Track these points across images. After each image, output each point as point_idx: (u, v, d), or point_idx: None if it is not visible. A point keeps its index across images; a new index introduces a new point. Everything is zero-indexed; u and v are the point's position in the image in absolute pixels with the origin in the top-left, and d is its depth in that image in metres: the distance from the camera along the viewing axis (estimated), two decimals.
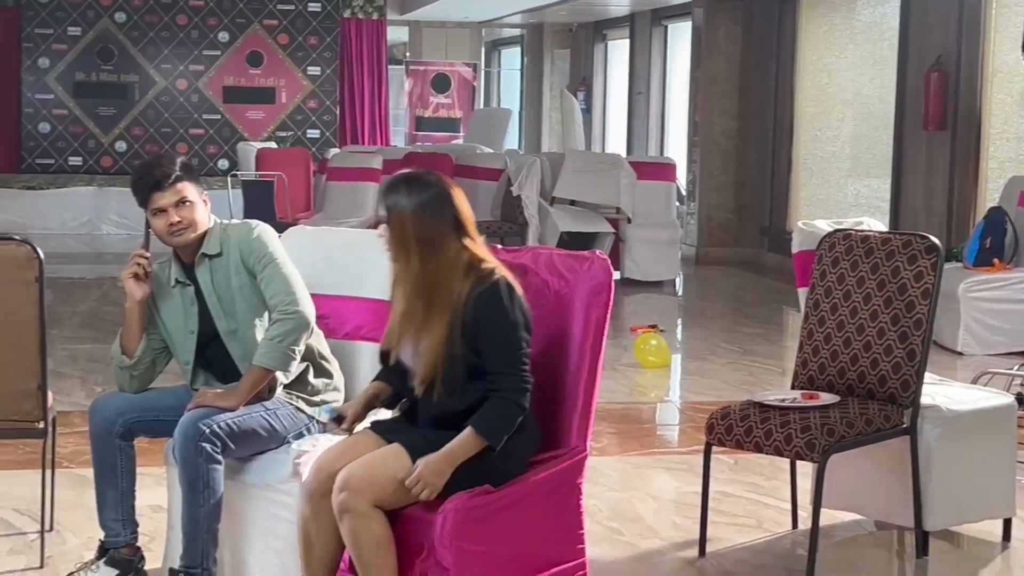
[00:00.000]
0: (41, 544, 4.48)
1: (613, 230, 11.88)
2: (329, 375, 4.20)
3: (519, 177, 11.84)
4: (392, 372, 3.80)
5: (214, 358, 4.16)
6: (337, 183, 12.32)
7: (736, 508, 5.23)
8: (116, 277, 11.01)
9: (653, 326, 9.06)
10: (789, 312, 10.50)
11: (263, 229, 4.15)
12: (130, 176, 4.29)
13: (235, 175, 13.46)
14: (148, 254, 4.09)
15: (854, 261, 4.79)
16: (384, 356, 3.81)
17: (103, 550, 4.16)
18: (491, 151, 14.49)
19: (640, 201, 12.01)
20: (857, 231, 4.93)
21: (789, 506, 5.03)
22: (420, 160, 12.36)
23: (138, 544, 4.18)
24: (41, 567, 4.39)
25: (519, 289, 3.65)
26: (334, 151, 15.03)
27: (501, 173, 12.31)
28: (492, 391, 3.58)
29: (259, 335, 4.06)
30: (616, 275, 12.43)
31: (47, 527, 4.55)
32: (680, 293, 12.09)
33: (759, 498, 5.36)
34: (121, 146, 18.48)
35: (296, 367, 4.06)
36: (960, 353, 8.52)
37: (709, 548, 4.71)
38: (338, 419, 3.76)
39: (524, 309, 3.64)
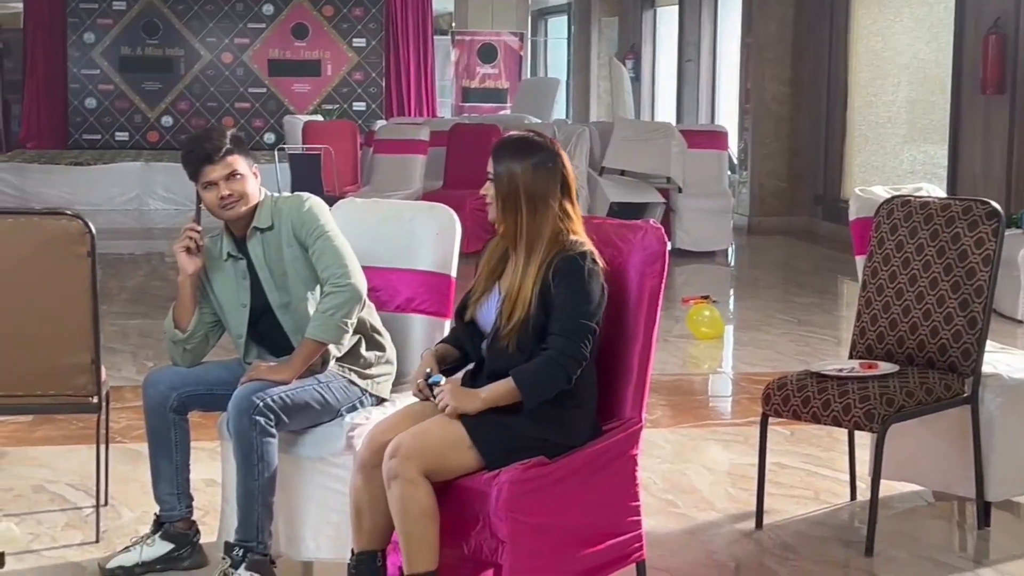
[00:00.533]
0: (96, 519, 4.52)
1: (664, 200, 11.86)
2: (382, 348, 4.21)
3: (568, 147, 11.81)
4: (464, 332, 3.82)
5: (266, 331, 4.18)
6: (384, 156, 12.34)
7: (793, 479, 5.20)
8: (164, 252, 11.16)
9: (705, 297, 9.04)
10: (844, 281, 10.45)
11: (314, 201, 4.17)
12: (180, 149, 4.32)
13: (282, 148, 13.52)
14: (199, 228, 4.12)
15: (913, 228, 4.75)
16: (460, 313, 3.85)
17: (158, 524, 4.20)
18: (539, 121, 14.46)
19: (691, 170, 11.98)
20: (916, 197, 4.89)
21: (847, 477, 5.01)
22: (467, 131, 12.37)
23: (193, 518, 4.23)
24: (97, 541, 4.44)
25: (602, 266, 3.67)
26: (381, 123, 15.04)
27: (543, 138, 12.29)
28: (544, 350, 3.59)
29: (311, 308, 4.08)
30: (668, 245, 12.45)
31: (102, 502, 4.60)
32: (732, 263, 12.04)
33: (816, 469, 5.33)
34: (167, 120, 18.63)
35: (348, 340, 4.07)
36: (1020, 321, 8.45)
37: (766, 520, 4.69)
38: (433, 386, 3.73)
39: (603, 289, 3.65)
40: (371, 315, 4.20)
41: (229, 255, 4.17)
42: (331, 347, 4.06)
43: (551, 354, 3.58)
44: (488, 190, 3.71)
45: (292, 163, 12.31)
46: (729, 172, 13.17)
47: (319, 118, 16.07)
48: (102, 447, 4.55)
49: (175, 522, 4.18)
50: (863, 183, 12.79)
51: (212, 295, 4.21)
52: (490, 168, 3.71)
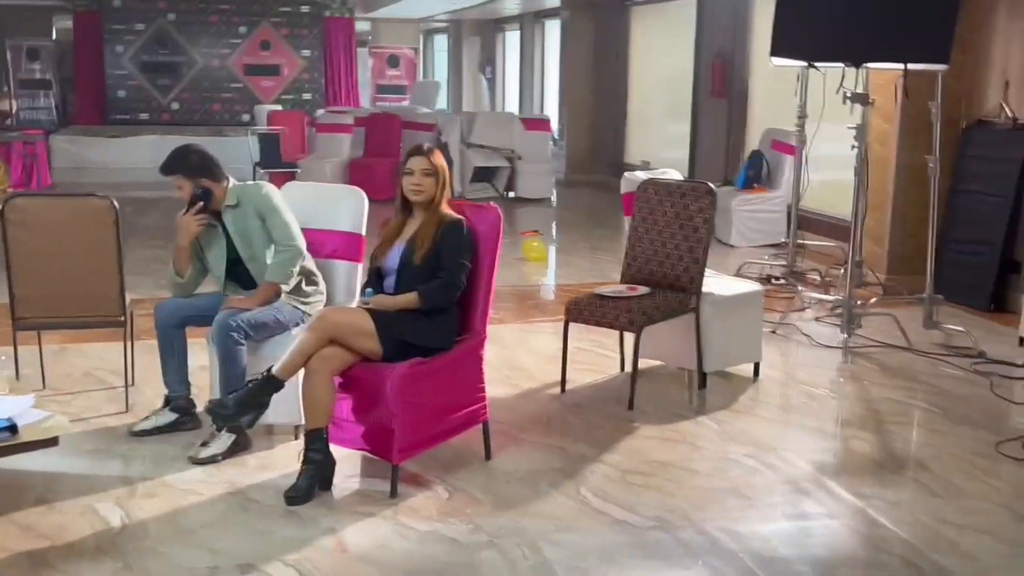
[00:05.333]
0: (126, 395, 4.45)
1: (509, 164, 11.81)
2: (316, 283, 4.16)
3: (446, 129, 11.68)
4: (375, 274, 3.81)
5: (238, 274, 4.11)
6: (323, 134, 12.05)
7: (585, 358, 5.29)
8: (174, 201, 10.69)
9: (536, 231, 9.05)
10: (624, 220, 10.48)
11: (269, 188, 4.07)
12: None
13: (253, 129, 13.07)
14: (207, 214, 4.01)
15: (660, 200, 4.84)
16: (373, 263, 3.83)
17: (167, 401, 4.15)
18: (427, 111, 14.23)
19: (527, 145, 11.92)
20: (661, 180, 4.96)
21: (619, 357, 5.13)
22: (379, 120, 12.12)
23: (191, 396, 4.18)
24: (126, 411, 4.37)
25: (471, 231, 3.72)
26: (320, 112, 14.62)
27: (434, 126, 12.13)
28: (438, 276, 3.65)
29: (269, 260, 4.02)
30: (511, 194, 12.30)
31: (130, 383, 4.51)
32: (554, 206, 12.05)
33: (600, 351, 5.42)
34: (175, 106, 17.86)
35: (293, 281, 4.03)
36: (733, 246, 8.66)
37: (568, 387, 4.79)
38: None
39: (473, 244, 3.72)
40: (309, 262, 4.15)
41: (211, 224, 4.07)
42: (281, 285, 4.01)
43: (444, 279, 3.64)
44: (421, 177, 3.72)
45: (260, 139, 11.89)
46: (552, 145, 13.15)
47: (279, 107, 15.54)
48: (129, 345, 4.45)
49: (179, 400, 4.13)
50: (638, 153, 12.91)
51: (201, 251, 4.11)
52: (426, 165, 3.71)
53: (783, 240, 8.36)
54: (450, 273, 3.66)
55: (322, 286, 4.19)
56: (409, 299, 3.64)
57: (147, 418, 4.13)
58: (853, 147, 5.61)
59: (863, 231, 6.07)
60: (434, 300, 3.63)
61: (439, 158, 3.80)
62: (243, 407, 3.50)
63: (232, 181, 4.09)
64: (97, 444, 4.02)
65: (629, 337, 4.97)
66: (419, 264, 3.69)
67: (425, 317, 3.65)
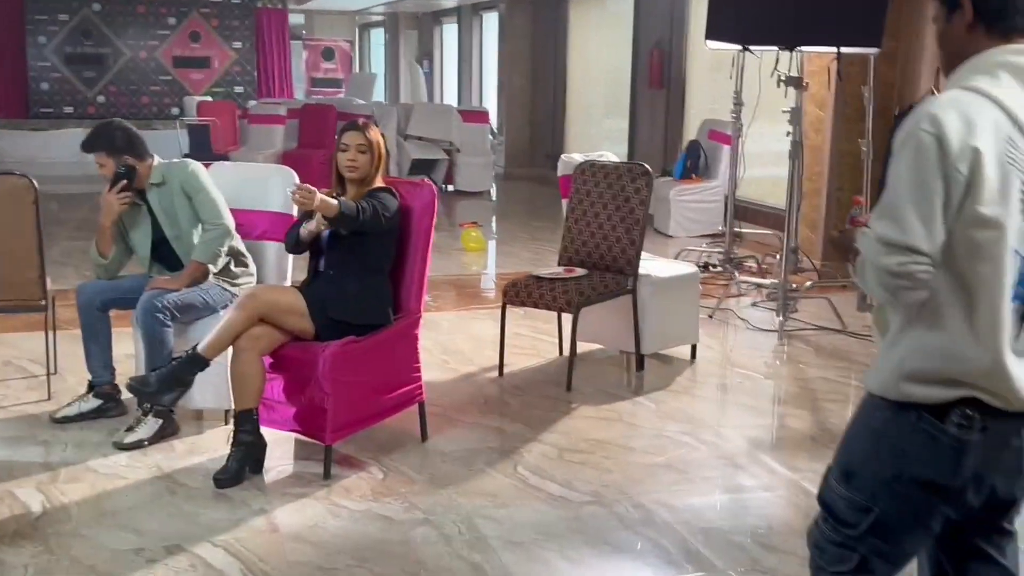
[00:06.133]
0: (48, 383, 4.33)
1: (447, 157, 11.76)
2: (245, 265, 4.09)
3: (383, 120, 11.59)
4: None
5: (164, 254, 4.03)
6: (255, 125, 11.86)
7: (524, 343, 5.29)
8: (99, 193, 10.47)
9: (475, 222, 9.02)
10: (563, 204, 10.51)
11: (196, 166, 4.00)
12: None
13: (182, 120, 12.85)
14: (131, 193, 3.91)
15: (596, 181, 4.86)
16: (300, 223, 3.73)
17: (91, 387, 4.05)
18: (364, 102, 14.10)
19: (465, 137, 11.89)
20: (598, 162, 4.98)
21: (556, 340, 5.13)
22: (314, 110, 11.97)
23: (115, 382, 4.08)
24: (48, 399, 4.26)
25: (397, 201, 3.67)
26: (253, 103, 14.42)
27: (370, 118, 12.02)
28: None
29: (195, 239, 3.94)
30: (450, 187, 12.28)
31: (52, 371, 4.40)
32: (493, 199, 12.05)
33: (538, 336, 5.43)
34: (101, 99, 17.44)
35: (222, 261, 3.96)
36: (671, 236, 8.74)
37: (506, 370, 4.79)
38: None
39: (397, 208, 3.65)
40: (238, 243, 4.07)
41: (135, 203, 3.98)
42: (209, 266, 3.94)
43: (367, 206, 3.53)
44: (356, 154, 3.66)
45: (190, 131, 11.67)
46: (491, 137, 13.13)
47: (209, 99, 15.29)
48: (51, 333, 4.34)
49: (103, 386, 4.04)
50: (579, 145, 12.97)
51: (125, 231, 4.02)
52: (361, 140, 3.66)
53: (721, 229, 8.46)
54: (368, 205, 3.56)
55: (252, 267, 4.12)
56: (332, 203, 3.50)
57: (70, 404, 4.02)
58: (788, 133, 5.69)
59: (798, 217, 6.17)
60: (350, 216, 3.50)
61: (375, 133, 3.75)
62: (165, 385, 3.43)
63: (157, 159, 4.00)
64: (17, 431, 3.90)
65: (567, 321, 4.99)
66: (348, 235, 3.63)
67: (357, 294, 3.61)
